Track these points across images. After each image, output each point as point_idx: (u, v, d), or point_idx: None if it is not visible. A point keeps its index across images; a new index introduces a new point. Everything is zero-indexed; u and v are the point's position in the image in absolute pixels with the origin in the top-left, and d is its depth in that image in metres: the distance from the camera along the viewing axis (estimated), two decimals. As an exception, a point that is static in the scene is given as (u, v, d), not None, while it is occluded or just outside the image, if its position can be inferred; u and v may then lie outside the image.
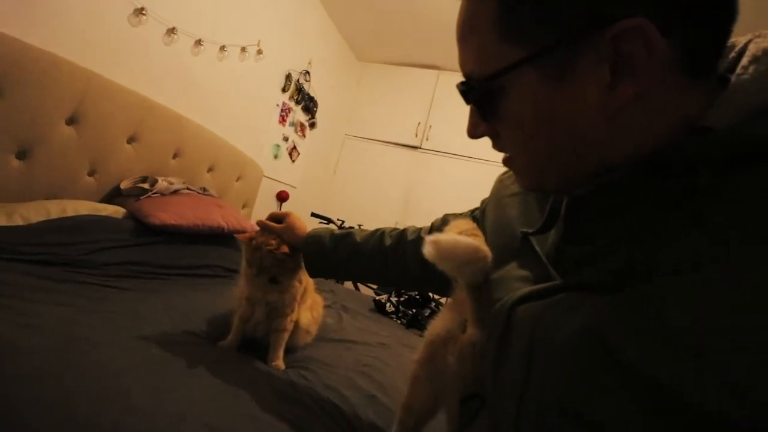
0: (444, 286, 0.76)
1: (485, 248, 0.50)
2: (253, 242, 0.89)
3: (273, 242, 0.88)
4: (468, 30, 0.38)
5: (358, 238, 0.84)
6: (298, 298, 0.98)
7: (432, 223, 0.80)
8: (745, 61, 0.32)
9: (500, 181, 0.61)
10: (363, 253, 0.83)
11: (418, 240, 0.78)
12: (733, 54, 0.35)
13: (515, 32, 0.34)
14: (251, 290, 0.93)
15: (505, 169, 0.51)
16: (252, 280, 0.92)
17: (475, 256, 0.49)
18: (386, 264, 0.81)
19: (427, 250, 0.48)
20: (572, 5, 0.31)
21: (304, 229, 0.91)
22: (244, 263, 0.95)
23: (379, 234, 0.84)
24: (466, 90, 0.40)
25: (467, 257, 0.49)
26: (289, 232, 0.90)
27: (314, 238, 0.87)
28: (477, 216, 0.69)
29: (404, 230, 0.83)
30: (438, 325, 0.61)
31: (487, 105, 0.39)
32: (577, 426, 0.30)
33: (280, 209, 3.00)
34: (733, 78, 0.32)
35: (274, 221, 0.95)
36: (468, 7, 0.38)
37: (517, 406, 0.36)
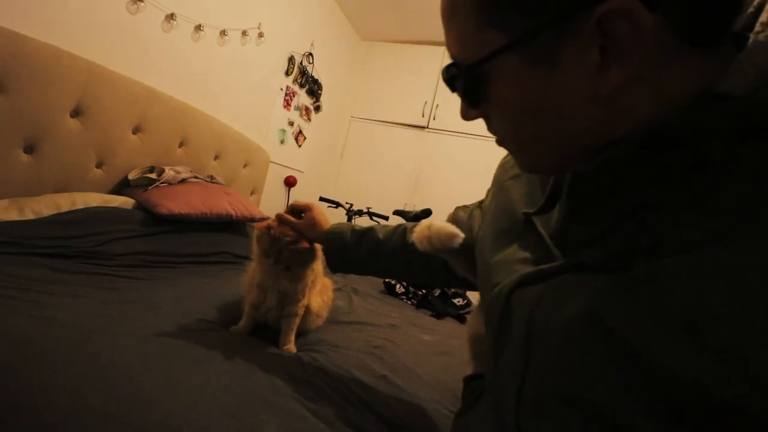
0: (467, 283, 0.76)
1: (456, 230, 0.60)
2: (272, 232, 0.88)
3: (291, 233, 0.88)
4: (450, 13, 0.37)
5: (380, 234, 0.84)
6: (309, 284, 0.99)
7: (446, 219, 0.79)
8: (764, 17, 0.29)
9: (501, 165, 0.60)
10: (385, 250, 0.83)
11: None
12: (751, 9, 0.32)
13: (497, 17, 0.33)
14: (263, 278, 0.94)
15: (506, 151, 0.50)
16: (264, 268, 0.93)
17: (449, 239, 0.59)
18: (409, 259, 0.80)
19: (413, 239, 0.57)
20: None
21: (326, 222, 0.90)
22: (256, 250, 0.95)
23: (401, 230, 0.84)
24: (451, 78, 0.39)
25: (442, 240, 0.60)
26: (310, 229, 0.89)
27: (336, 234, 0.86)
28: (484, 206, 0.67)
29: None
30: (475, 321, 0.62)
31: (473, 92, 0.38)
32: (578, 411, 0.29)
33: (288, 194, 3.01)
34: (752, 37, 0.29)
35: (295, 212, 0.93)
36: None
37: (517, 391, 0.35)
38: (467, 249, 0.61)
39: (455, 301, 1.84)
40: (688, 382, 0.24)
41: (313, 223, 0.89)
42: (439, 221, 0.68)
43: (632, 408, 0.27)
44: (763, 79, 0.28)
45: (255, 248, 0.95)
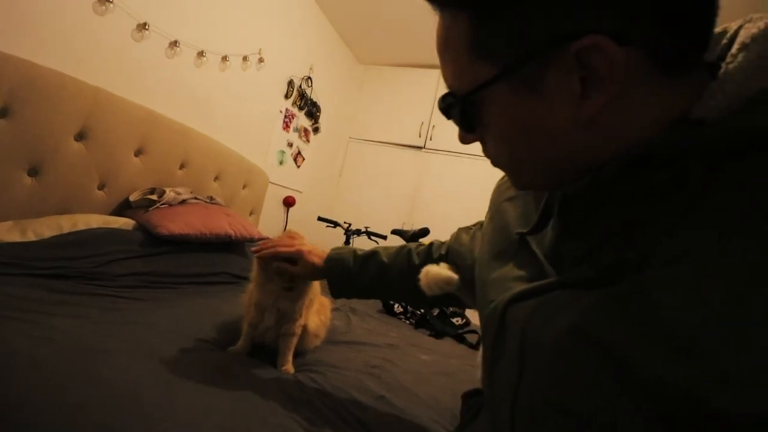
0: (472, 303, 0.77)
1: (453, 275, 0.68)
2: (273, 266, 0.89)
3: (290, 270, 0.87)
4: (444, 47, 0.40)
5: (384, 258, 0.83)
6: (307, 303, 1.00)
7: (449, 240, 0.81)
8: (734, 49, 0.32)
9: (497, 188, 0.62)
10: (390, 274, 0.82)
11: (442, 258, 0.78)
12: (725, 40, 0.35)
13: (485, 50, 0.35)
14: (262, 297, 0.94)
15: (502, 174, 0.53)
16: (263, 288, 0.94)
17: (445, 284, 0.68)
18: (416, 282, 0.77)
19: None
20: (535, 24, 0.33)
21: (321, 254, 0.87)
22: (255, 271, 0.96)
23: (405, 252, 0.83)
24: (447, 107, 0.42)
25: (442, 284, 0.69)
26: (310, 274, 0.87)
27: (337, 261, 0.84)
28: (482, 229, 0.69)
29: (430, 246, 0.82)
30: None
31: (467, 119, 0.41)
32: (570, 422, 0.30)
33: (287, 215, 3.03)
34: (723, 67, 0.32)
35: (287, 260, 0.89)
36: (442, 25, 0.39)
37: (512, 404, 0.36)
38: (472, 282, 0.62)
39: (454, 320, 1.84)
40: (676, 390, 0.25)
41: (312, 267, 0.86)
42: (434, 266, 0.73)
43: (622, 416, 0.27)
44: (733, 106, 0.30)
45: (255, 269, 0.96)
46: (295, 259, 0.87)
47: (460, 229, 0.79)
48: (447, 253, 0.78)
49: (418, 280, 0.73)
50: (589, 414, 0.29)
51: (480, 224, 0.74)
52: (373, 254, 0.84)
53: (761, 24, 0.31)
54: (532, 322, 0.37)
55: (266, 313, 0.95)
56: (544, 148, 0.37)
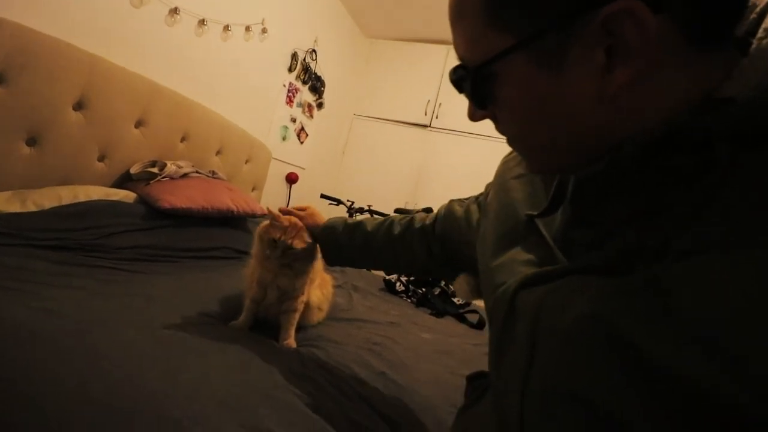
0: (451, 273, 0.77)
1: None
2: (276, 218, 0.89)
3: (294, 221, 0.90)
4: (457, 14, 0.37)
5: (369, 228, 0.86)
6: (309, 282, 0.99)
7: (438, 211, 0.80)
8: (767, 23, 0.30)
9: (504, 163, 0.59)
10: (374, 242, 0.84)
11: (425, 227, 0.80)
12: (753, 15, 0.32)
13: (504, 19, 0.33)
14: (263, 274, 0.94)
15: (509, 150, 0.50)
16: (264, 264, 0.93)
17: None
18: (396, 252, 0.82)
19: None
20: None
21: (323, 218, 0.94)
22: (256, 247, 0.95)
23: (388, 223, 0.85)
24: (458, 79, 0.39)
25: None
26: (310, 218, 0.93)
27: (329, 228, 0.89)
28: (481, 201, 0.67)
29: (412, 218, 0.83)
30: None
31: (480, 93, 0.38)
32: (582, 410, 0.29)
33: (290, 191, 3.01)
34: (755, 43, 0.30)
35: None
36: None
37: (521, 390, 0.35)
38: (470, 258, 0.61)
39: (455, 300, 1.84)
40: (692, 386, 0.24)
41: (313, 214, 0.93)
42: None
43: (634, 407, 0.27)
44: (765, 84, 0.28)
45: (256, 245, 0.95)
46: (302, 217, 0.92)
47: (451, 201, 0.78)
48: (434, 224, 0.77)
49: (397, 248, 0.80)
50: (599, 403, 0.28)
51: (474, 198, 0.72)
52: (360, 224, 0.88)
53: None
54: (543, 308, 0.35)
55: (268, 290, 0.95)
56: (561, 126, 0.35)
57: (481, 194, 0.69)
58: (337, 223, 0.89)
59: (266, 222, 0.92)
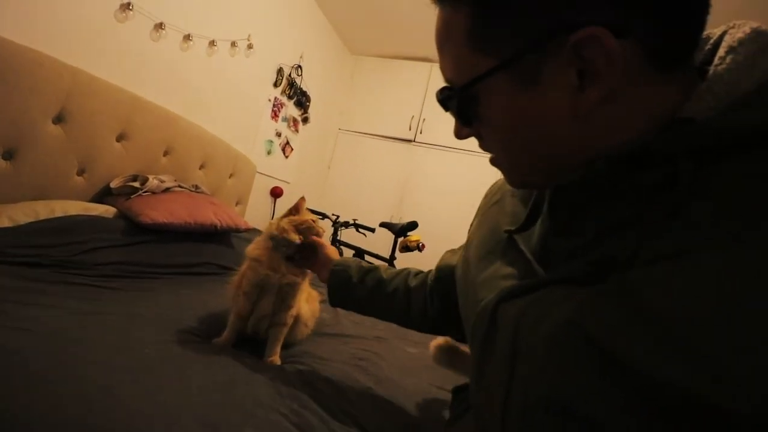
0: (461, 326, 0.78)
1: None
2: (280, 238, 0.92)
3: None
4: (444, 40, 0.40)
5: (384, 274, 0.84)
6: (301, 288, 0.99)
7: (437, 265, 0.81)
8: (721, 51, 0.33)
9: (485, 197, 0.62)
10: (387, 290, 0.82)
11: (435, 278, 0.79)
12: (708, 46, 0.36)
13: (485, 42, 0.36)
14: (268, 274, 0.92)
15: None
16: (271, 258, 0.92)
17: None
18: (409, 304, 0.81)
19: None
20: (535, 15, 0.33)
21: (334, 256, 0.91)
22: (260, 246, 0.94)
23: (405, 272, 0.85)
24: (445, 99, 0.42)
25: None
26: (321, 260, 0.91)
27: (341, 268, 0.86)
28: (468, 235, 0.68)
29: (428, 272, 0.83)
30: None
31: (465, 112, 0.41)
32: (564, 420, 0.30)
33: (275, 206, 2.99)
34: (711, 69, 0.33)
35: (303, 231, 0.95)
36: (442, 17, 0.40)
37: (503, 403, 0.36)
38: None
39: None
40: (666, 386, 0.25)
41: (326, 260, 0.90)
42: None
43: (616, 413, 0.27)
44: (721, 106, 0.31)
45: (261, 242, 0.95)
46: (312, 244, 0.92)
47: (446, 252, 0.80)
48: (436, 278, 0.78)
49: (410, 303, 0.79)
50: (579, 411, 0.29)
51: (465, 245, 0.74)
52: (375, 268, 0.86)
53: (746, 29, 0.33)
54: (524, 320, 0.36)
55: (264, 299, 0.93)
56: (540, 141, 0.37)
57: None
58: (350, 263, 0.87)
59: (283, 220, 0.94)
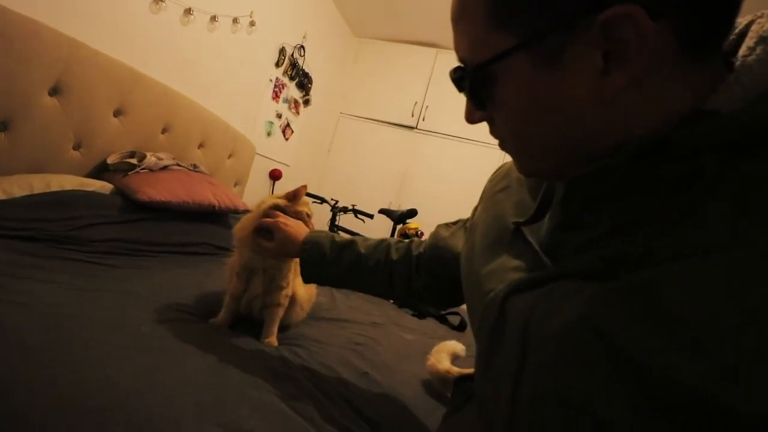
0: (450, 300, 0.78)
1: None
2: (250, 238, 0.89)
3: (263, 246, 0.87)
4: (459, 15, 0.37)
5: (361, 249, 0.81)
6: (293, 269, 0.98)
7: (428, 239, 0.79)
8: (750, 42, 0.31)
9: (490, 181, 0.60)
10: (366, 265, 0.80)
11: (421, 254, 0.77)
12: (733, 36, 0.34)
13: (506, 19, 0.34)
14: (250, 257, 0.91)
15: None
16: (252, 241, 0.90)
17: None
18: (391, 278, 0.78)
19: None
20: None
21: (300, 234, 0.84)
22: (245, 228, 0.92)
23: (384, 246, 0.81)
24: (459, 78, 0.39)
25: None
26: (284, 248, 0.85)
27: (314, 245, 0.81)
28: (468, 225, 0.67)
29: (410, 244, 0.81)
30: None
31: (480, 93, 0.39)
32: (573, 414, 0.30)
33: (273, 188, 2.97)
34: (738, 60, 0.31)
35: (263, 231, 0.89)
36: None
37: (511, 395, 0.35)
38: (454, 279, 0.62)
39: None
40: (677, 384, 0.25)
41: (287, 244, 0.84)
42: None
43: (626, 411, 0.27)
44: (749, 98, 0.29)
45: (245, 224, 0.93)
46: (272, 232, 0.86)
47: (439, 226, 0.78)
48: (425, 251, 0.76)
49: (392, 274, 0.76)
50: (589, 407, 0.29)
51: (461, 222, 0.73)
52: (351, 243, 0.82)
53: None
54: (534, 313, 0.36)
55: (254, 279, 0.93)
56: (558, 127, 0.35)
57: (468, 219, 0.69)
58: (322, 239, 0.82)
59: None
